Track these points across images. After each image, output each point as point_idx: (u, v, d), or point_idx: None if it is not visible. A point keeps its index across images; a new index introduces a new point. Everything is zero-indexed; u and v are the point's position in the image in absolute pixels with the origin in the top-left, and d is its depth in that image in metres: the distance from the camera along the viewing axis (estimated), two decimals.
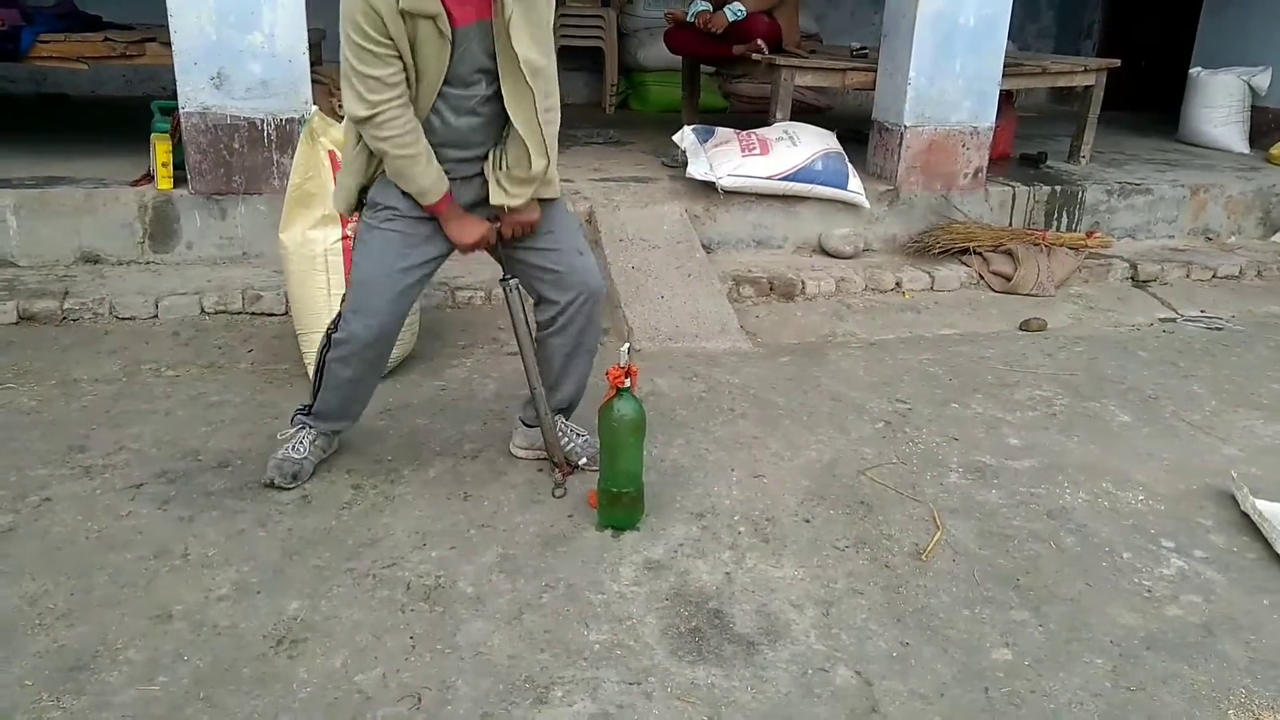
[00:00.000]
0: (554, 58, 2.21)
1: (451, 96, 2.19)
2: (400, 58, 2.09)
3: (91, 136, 4.66)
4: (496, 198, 2.27)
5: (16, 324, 3.36)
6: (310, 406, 2.50)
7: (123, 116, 4.94)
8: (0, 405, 2.82)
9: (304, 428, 2.50)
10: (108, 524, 2.27)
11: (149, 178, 3.85)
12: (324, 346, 2.41)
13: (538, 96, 2.15)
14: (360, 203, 2.34)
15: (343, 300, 2.40)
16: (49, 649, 1.86)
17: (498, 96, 2.19)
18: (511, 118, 2.18)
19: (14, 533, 2.22)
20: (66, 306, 3.41)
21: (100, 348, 3.24)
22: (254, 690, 1.78)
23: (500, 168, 2.26)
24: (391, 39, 2.05)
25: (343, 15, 2.07)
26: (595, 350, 2.55)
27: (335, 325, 2.38)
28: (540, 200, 2.35)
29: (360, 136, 2.21)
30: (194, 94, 3.64)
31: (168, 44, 3.65)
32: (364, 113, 2.11)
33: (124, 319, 3.44)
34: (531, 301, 2.47)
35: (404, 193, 2.25)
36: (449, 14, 2.07)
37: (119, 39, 4.07)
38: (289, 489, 2.42)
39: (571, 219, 2.48)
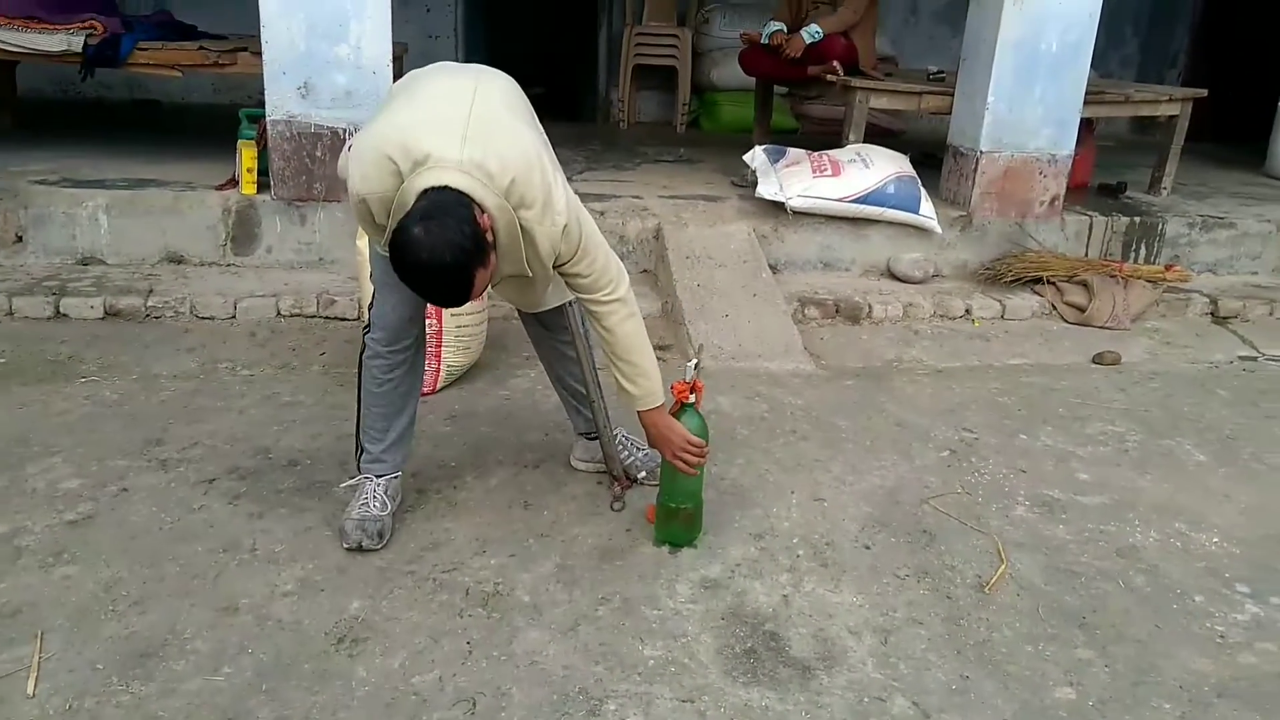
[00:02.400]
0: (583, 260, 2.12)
1: None
2: None
3: (181, 141, 4.84)
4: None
5: (103, 319, 3.49)
6: (357, 440, 2.37)
7: (210, 123, 5.13)
8: (85, 397, 2.93)
9: (369, 478, 2.33)
10: (181, 516, 2.34)
11: (234, 182, 3.98)
12: (360, 352, 2.32)
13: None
14: None
15: (369, 307, 2.32)
16: (121, 635, 1.92)
17: None
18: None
19: (93, 520, 2.30)
20: (150, 304, 3.54)
21: (180, 345, 3.35)
22: (314, 686, 1.82)
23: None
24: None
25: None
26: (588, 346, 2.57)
27: (368, 327, 2.31)
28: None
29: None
30: (281, 103, 3.76)
31: (258, 54, 3.78)
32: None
33: (204, 318, 3.56)
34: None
35: None
36: None
37: (213, 48, 4.23)
38: (376, 549, 2.24)
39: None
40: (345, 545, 2.23)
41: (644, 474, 2.57)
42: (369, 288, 3.01)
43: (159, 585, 2.07)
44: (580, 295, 2.19)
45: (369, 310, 2.37)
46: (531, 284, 2.16)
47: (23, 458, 2.55)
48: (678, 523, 2.32)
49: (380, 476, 2.33)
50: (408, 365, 2.33)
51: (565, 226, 2.00)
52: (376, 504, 2.29)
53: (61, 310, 3.48)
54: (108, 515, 2.32)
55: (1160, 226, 4.63)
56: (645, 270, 4.17)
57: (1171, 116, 5.09)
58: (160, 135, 5.20)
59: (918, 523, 2.51)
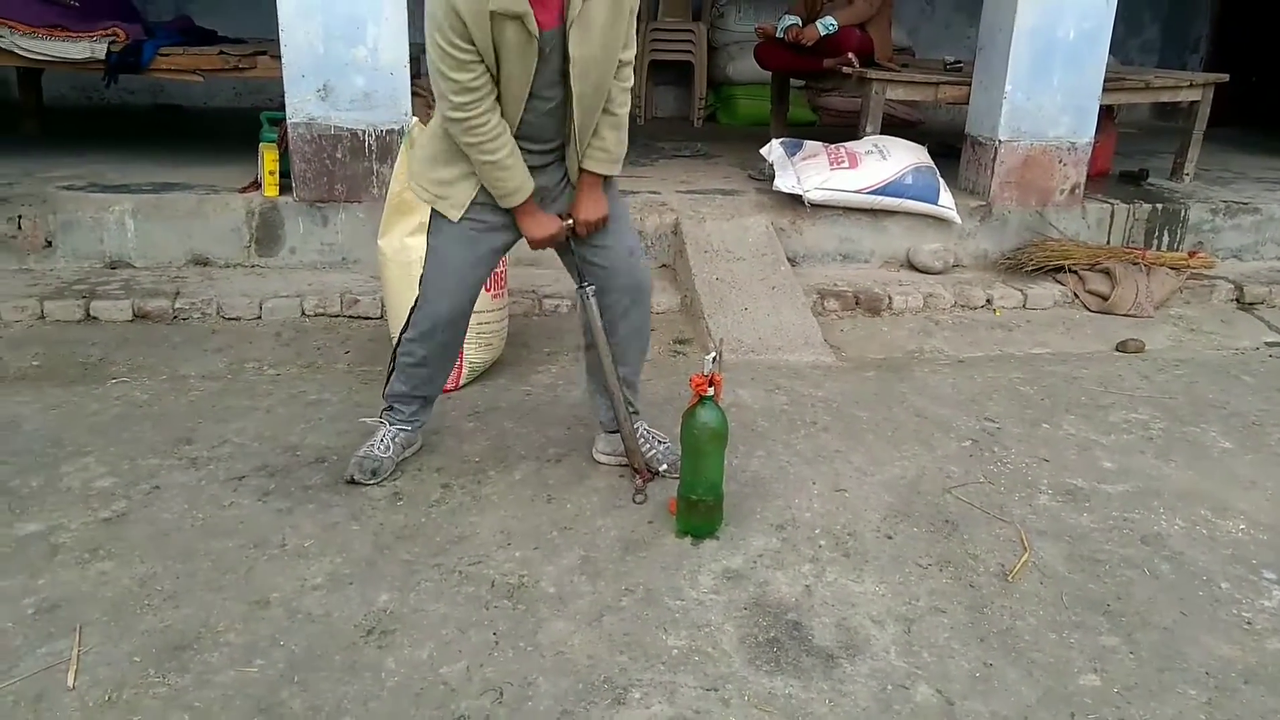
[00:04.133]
0: (632, 45, 2.26)
1: (535, 99, 2.22)
2: (483, 62, 2.12)
3: (203, 145, 4.90)
4: (597, 165, 2.33)
5: (132, 321, 3.55)
6: (386, 395, 2.60)
7: (232, 126, 5.18)
8: (115, 398, 2.99)
9: (385, 423, 2.60)
10: (211, 513, 2.38)
11: (256, 185, 4.03)
12: (402, 330, 2.51)
13: (599, 100, 2.24)
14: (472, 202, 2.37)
15: (420, 282, 2.46)
16: (156, 628, 1.96)
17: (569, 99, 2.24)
18: (585, 116, 2.25)
19: (126, 517, 2.34)
20: (177, 306, 3.59)
21: (207, 346, 3.40)
22: (345, 677, 1.85)
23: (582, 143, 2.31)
24: (474, 44, 2.08)
25: (427, 19, 2.10)
26: (646, 350, 2.63)
27: (414, 308, 2.47)
28: (606, 184, 2.40)
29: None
30: (301, 105, 3.81)
31: (277, 57, 3.82)
32: (452, 114, 2.17)
33: (230, 319, 3.61)
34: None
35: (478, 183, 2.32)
36: (536, 16, 2.09)
37: (233, 53, 4.28)
38: (369, 484, 2.50)
39: (625, 215, 2.52)
40: (343, 478, 2.51)
41: (665, 466, 2.59)
42: (393, 287, 3.07)
43: (192, 580, 2.12)
44: (620, 73, 2.27)
45: (411, 312, 2.46)
46: (616, 18, 2.17)
47: (57, 458, 2.60)
48: (699, 514, 2.34)
49: (393, 424, 2.58)
50: (439, 362, 2.53)
51: None
52: (381, 447, 2.55)
53: (91, 313, 3.54)
54: (141, 512, 2.37)
55: (1183, 213, 4.60)
56: (664, 265, 4.18)
57: (1193, 102, 5.05)
58: (183, 139, 5.26)
59: (940, 512, 2.52)
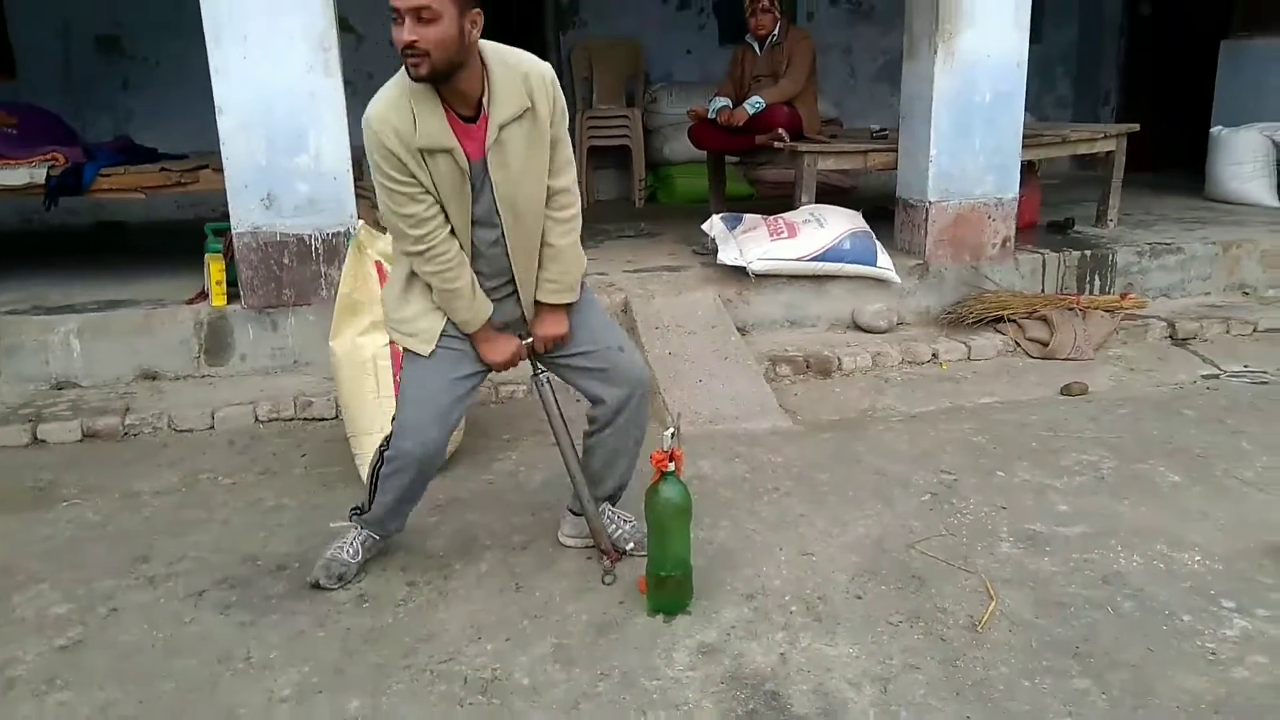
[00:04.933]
0: (565, 173, 2.29)
1: (479, 226, 2.27)
2: (430, 194, 2.19)
3: (148, 260, 4.89)
4: (547, 297, 2.36)
5: (81, 441, 3.50)
6: (363, 510, 2.55)
7: (176, 240, 5.19)
8: (67, 521, 2.92)
9: (357, 528, 2.56)
10: (172, 631, 2.33)
11: (204, 295, 4.03)
12: (377, 462, 2.47)
13: (535, 229, 2.29)
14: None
15: (393, 419, 2.44)
16: None
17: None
18: (519, 254, 2.31)
19: (83, 644, 2.28)
20: (127, 422, 3.55)
21: (160, 460, 3.35)
22: None
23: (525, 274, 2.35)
24: (414, 176, 2.15)
25: (370, 165, 2.18)
26: (642, 441, 2.59)
27: (387, 443, 2.44)
28: (566, 306, 2.42)
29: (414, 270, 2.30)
30: (245, 215, 3.84)
31: (219, 170, 3.87)
32: (412, 248, 2.22)
33: (182, 431, 3.57)
34: (568, 391, 2.54)
35: None
36: (464, 149, 2.16)
37: (175, 168, 4.32)
38: (333, 589, 2.46)
39: (602, 316, 2.54)
40: (307, 581, 2.48)
41: (632, 545, 2.59)
42: (347, 387, 3.08)
43: (155, 704, 2.06)
44: (554, 202, 2.30)
45: (382, 448, 2.46)
46: (534, 148, 2.21)
47: (8, 588, 2.53)
48: (669, 591, 2.34)
49: (364, 530, 2.55)
50: (421, 482, 2.49)
51: (554, 78, 2.22)
52: (350, 552, 2.53)
53: (39, 436, 3.49)
54: (98, 637, 2.31)
55: (1111, 257, 4.78)
56: None
57: (1109, 152, 5.30)
58: (127, 256, 5.25)
59: (906, 568, 2.54)
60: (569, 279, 2.38)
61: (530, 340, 2.43)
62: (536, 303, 2.40)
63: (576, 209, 2.36)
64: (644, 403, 2.51)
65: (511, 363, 2.41)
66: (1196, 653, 2.16)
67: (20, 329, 3.86)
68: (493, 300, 2.36)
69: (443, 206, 2.22)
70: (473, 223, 2.26)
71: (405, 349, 2.41)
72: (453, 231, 2.25)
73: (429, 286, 2.32)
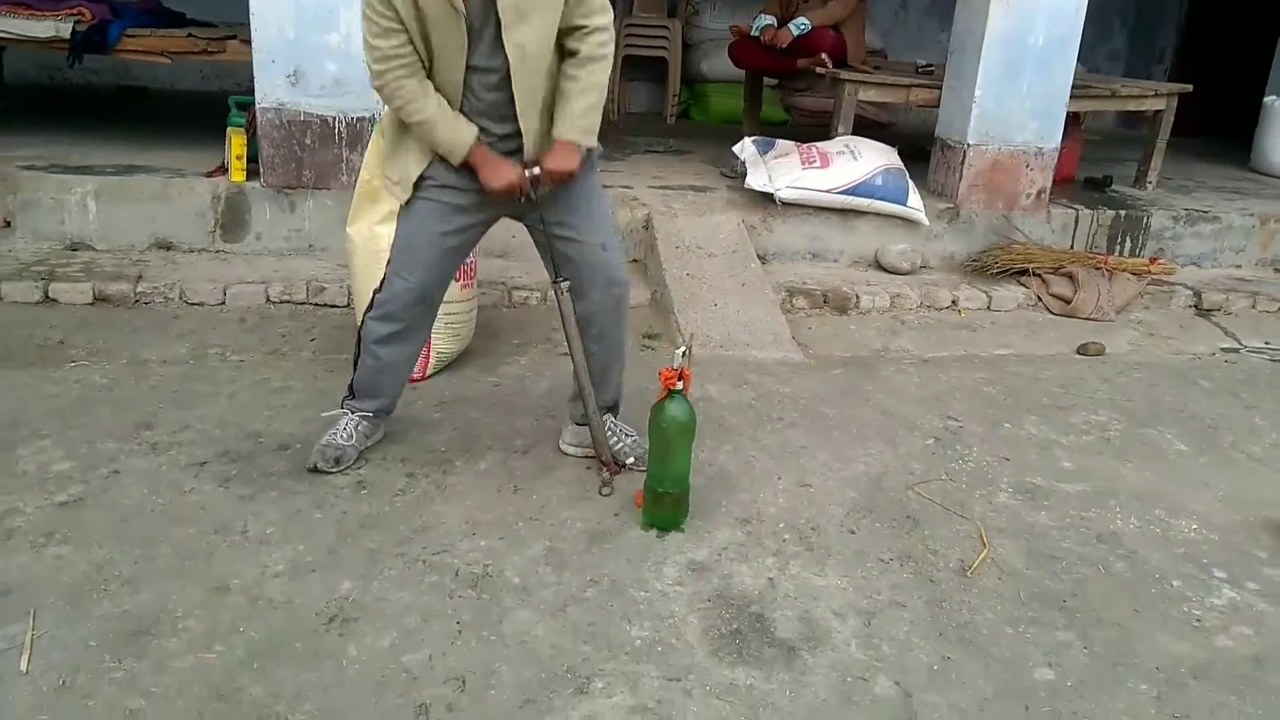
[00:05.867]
0: (600, 11, 2.22)
1: (477, 71, 2.21)
2: (406, 31, 2.14)
3: (169, 128, 4.83)
4: (567, 131, 2.27)
5: (92, 304, 3.49)
6: (350, 384, 2.59)
7: (199, 110, 5.11)
8: (75, 381, 2.94)
9: (347, 412, 2.58)
10: (172, 499, 2.35)
11: (223, 169, 3.97)
12: (367, 308, 2.50)
13: (540, 68, 2.21)
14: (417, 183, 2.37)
15: (388, 263, 2.45)
16: (113, 614, 1.93)
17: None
18: (525, 96, 2.23)
19: (84, 502, 2.31)
20: (139, 290, 3.54)
21: (170, 331, 3.35)
22: (306, 664, 1.84)
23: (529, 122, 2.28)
24: (396, 11, 2.11)
25: None
26: (623, 345, 2.59)
27: (380, 285, 2.46)
28: (576, 182, 2.36)
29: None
30: (270, 90, 3.76)
31: (247, 41, 3.77)
32: (374, 83, 2.22)
33: (193, 304, 3.56)
34: None
35: (445, 163, 2.31)
36: None
37: (202, 35, 4.23)
38: (332, 473, 2.48)
39: (601, 208, 2.47)
40: (306, 467, 2.48)
41: (632, 459, 2.59)
42: (361, 275, 3.05)
43: (151, 565, 2.09)
44: (590, 39, 2.23)
45: (375, 292, 2.46)
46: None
47: (12, 441, 2.55)
48: (665, 507, 2.35)
49: (356, 413, 2.56)
50: (404, 345, 2.51)
51: None
52: (343, 435, 2.54)
53: (50, 295, 3.48)
54: (99, 497, 2.33)
55: (1145, 220, 4.68)
56: (635, 260, 4.19)
57: (1157, 111, 5.14)
58: (148, 122, 5.18)
59: (902, 508, 2.55)
60: (592, 119, 2.29)
61: (536, 172, 2.29)
62: (552, 138, 2.30)
63: (611, 48, 2.27)
64: (621, 305, 2.50)
65: (511, 192, 2.29)
66: (1182, 618, 2.17)
67: (38, 185, 3.82)
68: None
69: (430, 53, 2.18)
70: (470, 68, 2.20)
71: (399, 208, 2.42)
72: (431, 72, 2.21)
73: (413, 143, 2.30)
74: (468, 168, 2.29)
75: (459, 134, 2.25)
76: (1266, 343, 4.06)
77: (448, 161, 2.30)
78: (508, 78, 2.21)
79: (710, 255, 3.99)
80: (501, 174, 2.27)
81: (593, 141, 2.34)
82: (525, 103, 2.25)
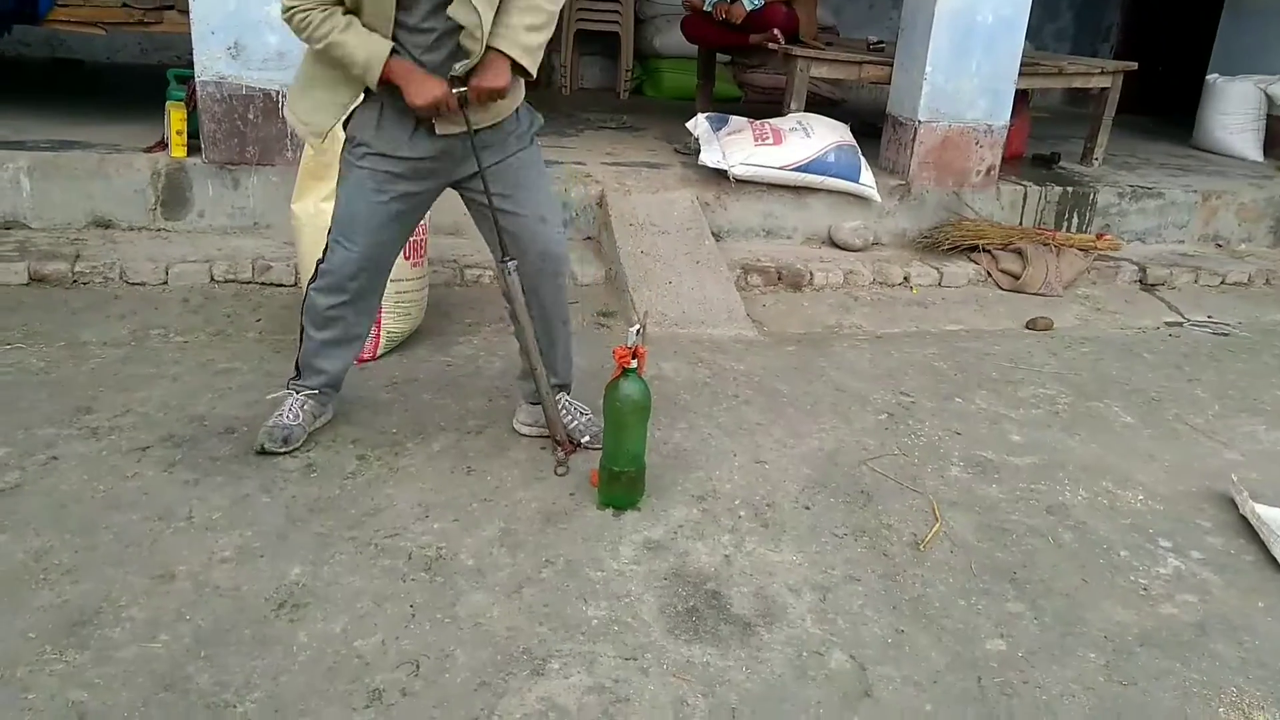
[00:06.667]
0: None
1: (414, 32, 2.14)
2: None
3: (106, 102, 4.67)
4: (501, 41, 2.15)
5: (27, 285, 3.37)
6: (296, 363, 2.54)
7: (137, 84, 4.95)
8: (9, 365, 2.84)
9: (293, 393, 2.53)
10: (113, 484, 2.29)
11: (163, 145, 3.86)
12: (311, 279, 2.45)
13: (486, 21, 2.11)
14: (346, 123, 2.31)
15: (329, 231, 2.40)
16: (53, 604, 1.87)
17: (458, 28, 2.13)
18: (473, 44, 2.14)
19: (20, 489, 2.23)
20: (77, 270, 3.43)
21: (109, 312, 3.25)
22: (254, 651, 1.80)
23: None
24: None
25: None
26: (568, 321, 2.57)
27: (323, 255, 2.41)
28: (515, 154, 2.34)
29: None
30: (210, 63, 3.65)
31: (185, 12, 3.65)
32: (283, 15, 2.13)
33: (134, 284, 3.46)
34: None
35: (376, 128, 2.25)
36: None
37: (138, 5, 4.09)
38: (280, 453, 2.43)
39: (542, 182, 2.43)
40: (254, 448, 2.44)
41: (587, 438, 2.58)
42: (307, 252, 2.98)
43: (92, 554, 2.03)
44: None
45: (318, 263, 2.41)
46: None
47: None
48: (621, 486, 2.34)
49: (302, 392, 2.52)
50: (348, 321, 2.47)
51: None
52: (290, 415, 2.49)
53: None
54: (36, 484, 2.26)
55: (1092, 196, 4.75)
56: (589, 237, 4.15)
57: (1103, 89, 5.21)
58: (84, 96, 5.00)
59: (856, 483, 2.56)
60: (533, 39, 2.18)
61: (464, 90, 2.16)
62: (487, 49, 2.15)
63: None
64: (560, 280, 2.48)
65: (436, 108, 2.16)
66: (1129, 587, 2.21)
67: None
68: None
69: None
70: (401, 25, 2.13)
71: (340, 158, 2.34)
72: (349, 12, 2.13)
73: (329, 80, 2.22)
74: (386, 85, 2.17)
75: (373, 46, 2.12)
76: (1209, 316, 4.15)
77: (373, 125, 2.24)
78: (446, 34, 2.14)
79: (664, 232, 3.97)
80: (426, 89, 2.15)
81: (533, 66, 2.22)
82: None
